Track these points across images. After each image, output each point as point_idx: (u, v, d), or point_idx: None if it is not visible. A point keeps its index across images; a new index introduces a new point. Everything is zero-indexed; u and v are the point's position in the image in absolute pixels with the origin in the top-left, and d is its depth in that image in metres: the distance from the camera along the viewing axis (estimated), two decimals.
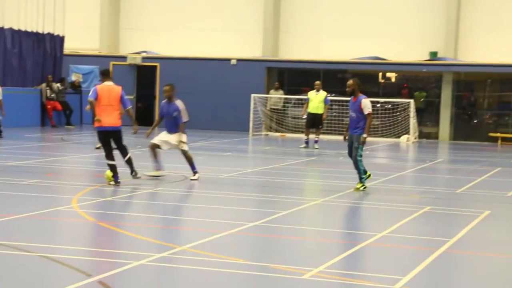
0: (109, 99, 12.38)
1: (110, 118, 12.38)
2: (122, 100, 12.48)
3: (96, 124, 12.40)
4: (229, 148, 20.89)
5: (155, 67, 29.37)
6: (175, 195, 11.65)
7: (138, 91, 29.96)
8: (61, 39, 28.45)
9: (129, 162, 12.64)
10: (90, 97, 12.44)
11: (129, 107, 12.69)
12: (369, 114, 12.53)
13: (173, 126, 13.28)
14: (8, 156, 16.27)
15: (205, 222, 9.53)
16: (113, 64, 29.58)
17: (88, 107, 13.62)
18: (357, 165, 12.61)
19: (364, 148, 12.77)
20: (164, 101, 13.46)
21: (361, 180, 12.70)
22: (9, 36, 26.10)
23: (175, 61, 29.17)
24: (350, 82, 12.67)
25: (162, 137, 13.37)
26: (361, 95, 12.64)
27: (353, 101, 12.66)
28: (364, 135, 12.54)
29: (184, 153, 13.35)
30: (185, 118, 13.32)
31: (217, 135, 25.53)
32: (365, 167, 12.81)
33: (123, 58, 29.68)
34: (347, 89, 12.70)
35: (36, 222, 9.33)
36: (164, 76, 29.16)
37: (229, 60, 28.74)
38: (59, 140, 18.60)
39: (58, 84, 27.48)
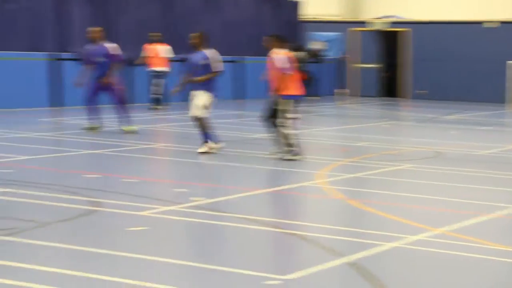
0: None
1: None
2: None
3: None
4: (486, 121, 20.16)
5: (398, 32, 28.95)
6: (426, 173, 11.46)
7: (384, 59, 29.78)
8: (299, 5, 29.09)
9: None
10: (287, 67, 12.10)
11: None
12: None
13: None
14: (248, 128, 17.02)
15: (462, 203, 9.26)
16: (356, 31, 29.68)
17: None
18: None
19: None
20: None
21: None
22: (246, 4, 27.12)
23: (427, 25, 28.51)
24: None
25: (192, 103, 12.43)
26: None
27: None
28: None
29: (198, 119, 12.42)
30: (217, 67, 12.31)
31: (471, 107, 24.77)
32: None
33: (364, 23, 29.65)
34: None
35: (281, 198, 9.67)
36: (416, 42, 28.54)
37: (481, 23, 27.60)
38: (301, 112, 19.06)
39: (304, 53, 27.83)
